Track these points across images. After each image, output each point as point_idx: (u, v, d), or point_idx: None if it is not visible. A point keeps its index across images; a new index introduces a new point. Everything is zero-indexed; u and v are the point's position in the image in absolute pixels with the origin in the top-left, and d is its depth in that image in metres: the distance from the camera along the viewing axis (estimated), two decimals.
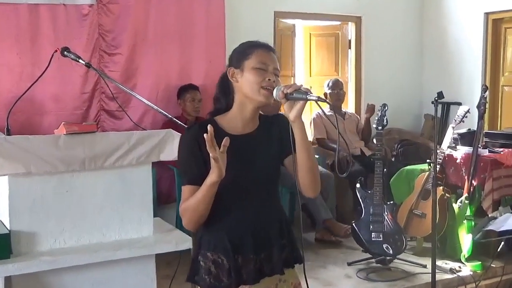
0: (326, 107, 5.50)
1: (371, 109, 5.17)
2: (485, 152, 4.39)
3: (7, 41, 4.27)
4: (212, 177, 1.70)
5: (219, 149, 1.67)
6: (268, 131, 1.90)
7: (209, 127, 1.66)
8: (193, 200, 1.76)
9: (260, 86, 1.79)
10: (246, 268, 1.83)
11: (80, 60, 3.12)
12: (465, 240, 4.12)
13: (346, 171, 1.89)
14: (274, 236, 1.88)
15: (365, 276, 4.00)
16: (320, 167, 4.89)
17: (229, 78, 1.85)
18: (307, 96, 1.72)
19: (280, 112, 2.01)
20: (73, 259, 2.64)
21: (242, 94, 1.84)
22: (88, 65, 3.14)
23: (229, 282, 1.82)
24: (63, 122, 2.77)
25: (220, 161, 1.67)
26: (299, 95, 1.73)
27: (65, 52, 3.14)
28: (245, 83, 1.81)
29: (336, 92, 5.38)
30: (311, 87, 6.00)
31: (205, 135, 1.65)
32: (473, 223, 4.12)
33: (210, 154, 1.66)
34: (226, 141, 1.66)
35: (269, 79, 1.80)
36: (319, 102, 1.73)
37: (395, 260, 4.15)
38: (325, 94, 5.35)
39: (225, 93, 1.88)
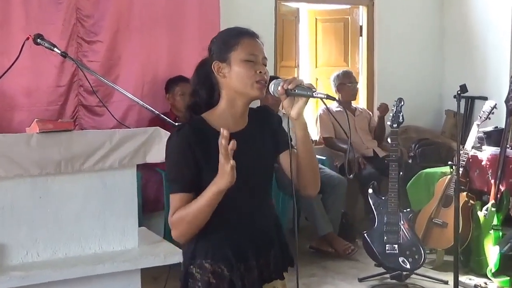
0: (334, 102, 5.50)
1: (384, 108, 5.16)
2: None
3: None
4: (221, 184, 1.71)
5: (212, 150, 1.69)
6: (259, 126, 1.94)
7: (224, 131, 1.66)
8: (192, 210, 1.77)
9: (254, 81, 1.82)
10: (249, 277, 1.86)
11: (55, 49, 3.11)
12: (492, 252, 4.12)
13: (353, 173, 1.93)
14: (272, 238, 1.94)
15: None
16: (330, 171, 4.90)
17: (215, 74, 1.88)
18: (313, 93, 1.73)
19: (265, 105, 2.06)
20: (48, 275, 2.64)
21: (231, 89, 1.86)
22: (64, 55, 3.13)
23: None
24: (36, 119, 2.77)
25: (234, 168, 1.69)
26: (302, 91, 1.75)
27: (38, 40, 3.13)
28: (235, 78, 1.84)
29: (349, 85, 5.38)
30: (317, 79, 6.01)
31: (223, 141, 1.65)
32: (500, 233, 4.12)
33: (223, 160, 1.67)
34: (233, 144, 1.66)
35: (260, 72, 1.83)
36: (326, 100, 1.75)
37: (413, 276, 4.15)
38: (338, 87, 5.34)
39: (204, 85, 1.91)
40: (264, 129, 1.95)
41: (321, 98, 1.73)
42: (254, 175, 1.88)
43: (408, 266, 4.04)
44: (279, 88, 1.78)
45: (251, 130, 1.91)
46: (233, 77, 1.84)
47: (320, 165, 4.45)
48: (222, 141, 1.66)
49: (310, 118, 5.58)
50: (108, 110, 3.82)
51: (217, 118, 1.87)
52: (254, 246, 1.88)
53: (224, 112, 1.88)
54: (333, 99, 1.74)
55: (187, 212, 1.78)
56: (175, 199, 1.82)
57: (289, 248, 2.01)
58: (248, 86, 1.83)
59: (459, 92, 3.80)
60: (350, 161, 4.71)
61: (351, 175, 1.90)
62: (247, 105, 1.90)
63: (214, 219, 1.81)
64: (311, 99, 1.79)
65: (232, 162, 1.67)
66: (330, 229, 4.71)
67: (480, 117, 4.29)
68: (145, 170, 4.25)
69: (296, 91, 1.75)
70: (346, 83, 5.37)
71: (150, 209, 4.61)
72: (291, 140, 1.89)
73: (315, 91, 1.75)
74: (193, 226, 1.80)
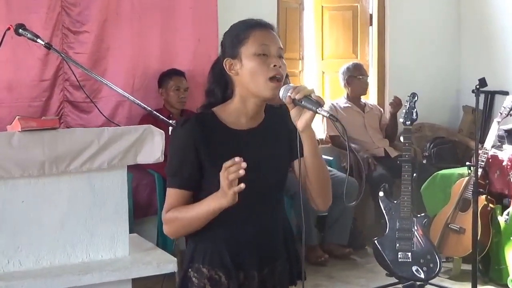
0: (341, 98, 5.51)
1: (396, 103, 5.16)
2: None
3: None
4: (222, 203, 1.74)
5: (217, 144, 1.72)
6: (275, 126, 1.94)
7: (243, 164, 1.66)
8: (189, 216, 1.83)
9: (267, 78, 1.82)
10: (248, 287, 1.88)
11: (39, 40, 3.12)
12: None
13: (357, 200, 1.90)
14: (279, 248, 1.95)
15: None
16: (341, 173, 4.89)
17: (227, 72, 1.88)
18: (317, 109, 1.74)
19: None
20: (31, 285, 2.64)
21: (244, 88, 1.87)
22: (48, 46, 3.14)
23: None
24: (17, 116, 2.78)
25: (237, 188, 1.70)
26: (309, 104, 1.76)
27: (20, 30, 3.14)
28: (247, 75, 1.84)
29: (359, 77, 5.38)
30: (323, 72, 6.01)
31: (239, 159, 1.66)
32: None
33: (225, 185, 1.69)
34: (242, 170, 1.66)
35: (274, 65, 1.82)
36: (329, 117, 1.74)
37: (427, 286, 4.15)
38: (348, 81, 5.34)
39: (219, 84, 1.92)
40: (281, 131, 1.94)
41: (324, 116, 1.75)
42: (263, 177, 1.88)
43: (422, 275, 4.04)
44: (287, 97, 1.78)
45: (265, 130, 1.92)
46: (245, 73, 1.85)
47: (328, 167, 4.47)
48: (229, 165, 1.66)
49: (316, 116, 5.57)
50: (96, 107, 3.83)
51: (228, 113, 1.90)
52: (257, 255, 1.89)
53: (236, 110, 1.90)
54: (336, 119, 1.73)
55: (183, 216, 1.83)
56: (171, 194, 1.86)
57: (300, 260, 2.01)
58: (261, 84, 1.82)
59: (477, 86, 3.80)
60: (359, 162, 4.71)
61: (353, 202, 1.87)
62: (261, 106, 1.91)
63: (215, 222, 1.83)
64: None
65: (235, 188, 1.68)
66: (316, 242, 4.76)
67: (501, 114, 4.28)
68: (137, 171, 4.25)
69: (303, 102, 1.76)
70: (356, 76, 5.37)
71: (142, 214, 4.61)
72: (301, 148, 1.86)
73: (321, 106, 1.74)
74: (187, 230, 1.87)
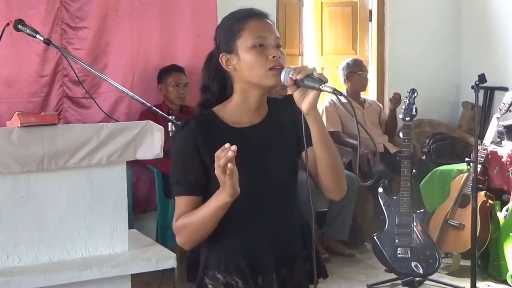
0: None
1: (396, 99, 5.16)
2: None
3: None
4: (224, 198, 1.68)
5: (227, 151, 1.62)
6: (280, 118, 1.88)
7: (233, 147, 1.60)
8: (196, 219, 1.76)
9: (267, 68, 1.77)
10: None
11: (38, 36, 3.11)
12: None
13: (373, 178, 1.86)
14: (296, 246, 1.89)
15: None
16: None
17: (224, 67, 1.83)
18: (320, 86, 1.69)
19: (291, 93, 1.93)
20: (30, 281, 2.64)
21: (244, 81, 1.81)
22: (47, 42, 3.13)
23: None
24: (17, 112, 2.77)
25: (235, 178, 1.65)
26: (311, 83, 1.70)
27: (19, 26, 3.14)
28: (246, 69, 1.79)
29: (359, 73, 5.38)
30: (323, 68, 6.00)
31: (228, 146, 1.60)
32: None
33: (219, 173, 1.63)
34: (233, 152, 1.59)
35: (273, 56, 1.77)
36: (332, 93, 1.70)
37: (426, 282, 4.15)
38: (348, 76, 5.34)
39: (216, 79, 1.86)
40: (286, 122, 1.88)
41: (328, 92, 1.69)
42: (272, 174, 1.83)
43: (421, 271, 4.05)
44: (288, 78, 1.72)
45: (269, 124, 1.86)
46: (243, 68, 1.79)
47: None
48: (220, 153, 1.61)
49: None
50: (96, 102, 3.81)
51: (229, 111, 1.84)
52: (273, 256, 1.83)
53: (237, 106, 1.83)
54: (340, 93, 1.68)
55: (191, 221, 1.76)
56: (179, 202, 1.80)
57: (320, 258, 1.97)
58: (261, 75, 1.77)
59: (477, 82, 3.80)
60: (360, 159, 4.71)
61: (368, 182, 1.81)
62: (263, 96, 1.85)
63: (226, 225, 1.78)
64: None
65: (231, 175, 1.62)
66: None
67: (500, 110, 4.29)
68: (136, 167, 4.25)
69: (305, 82, 1.70)
70: (356, 71, 5.37)
71: (141, 210, 4.61)
72: (307, 136, 1.79)
73: (324, 83, 1.69)
74: (198, 236, 1.79)
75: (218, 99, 1.87)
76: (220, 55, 1.82)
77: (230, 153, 1.60)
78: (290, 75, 1.72)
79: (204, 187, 1.78)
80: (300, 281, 1.88)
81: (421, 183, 4.75)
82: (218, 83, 1.86)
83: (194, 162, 1.77)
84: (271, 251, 1.83)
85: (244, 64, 1.79)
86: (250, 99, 1.83)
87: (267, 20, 1.83)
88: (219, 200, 1.70)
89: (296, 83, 1.71)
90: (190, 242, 1.81)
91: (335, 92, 1.68)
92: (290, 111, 1.85)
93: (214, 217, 1.73)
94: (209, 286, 1.84)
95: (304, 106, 1.72)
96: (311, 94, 1.71)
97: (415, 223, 4.09)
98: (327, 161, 1.80)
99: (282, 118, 1.88)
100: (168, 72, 4.74)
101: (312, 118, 1.75)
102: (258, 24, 1.80)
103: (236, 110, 1.84)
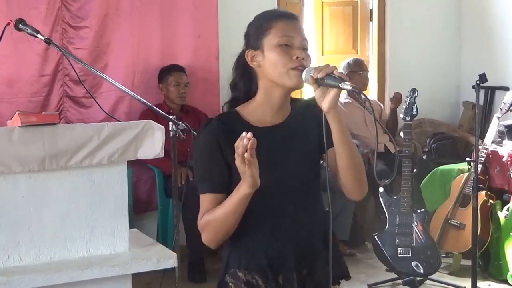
0: (342, 93, 5.50)
1: (397, 99, 5.16)
2: None
3: None
4: (245, 189, 1.70)
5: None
6: (303, 119, 1.90)
7: (249, 134, 1.63)
8: (219, 215, 1.77)
9: (289, 68, 1.78)
10: None
11: (39, 35, 3.11)
12: None
13: (390, 177, 1.86)
14: (317, 246, 1.89)
15: None
16: None
17: (249, 63, 1.85)
18: (340, 84, 1.70)
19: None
20: (31, 280, 2.64)
21: (267, 79, 1.83)
22: (48, 41, 3.13)
23: None
24: (17, 112, 2.77)
25: (254, 168, 1.67)
26: (332, 81, 1.71)
27: (20, 25, 3.13)
28: (269, 66, 1.81)
29: (360, 73, 5.38)
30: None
31: (245, 134, 1.63)
32: None
33: (239, 164, 1.65)
34: (252, 143, 1.62)
35: (297, 57, 1.79)
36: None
37: (427, 281, 4.16)
38: (348, 76, 5.34)
39: (244, 78, 1.88)
40: (309, 124, 1.89)
41: (347, 90, 1.70)
42: (293, 174, 1.85)
43: (422, 271, 4.05)
44: (309, 77, 1.74)
45: (291, 124, 1.88)
46: (267, 65, 1.81)
47: None
48: (238, 143, 1.64)
49: None
50: (96, 102, 3.81)
51: (252, 110, 1.86)
52: (294, 255, 1.85)
53: (260, 104, 1.86)
54: (359, 91, 1.70)
55: (214, 217, 1.78)
56: (203, 200, 1.82)
57: (342, 259, 1.98)
58: (283, 75, 1.79)
59: (478, 82, 3.80)
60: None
61: (387, 180, 1.83)
62: (285, 97, 1.87)
63: (247, 223, 1.80)
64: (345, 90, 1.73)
65: (250, 165, 1.64)
66: None
67: (501, 109, 4.28)
68: (137, 167, 4.26)
69: (325, 80, 1.71)
70: (357, 71, 5.37)
71: (142, 209, 4.61)
72: (328, 138, 1.80)
73: (344, 81, 1.70)
74: (221, 232, 1.80)
75: (246, 98, 1.89)
76: (246, 51, 1.85)
77: (245, 141, 1.62)
78: (311, 74, 1.73)
79: (228, 185, 1.80)
80: (320, 282, 1.89)
81: (422, 182, 4.75)
82: (245, 82, 1.89)
83: (217, 160, 1.80)
84: (293, 251, 1.85)
85: (267, 61, 1.81)
86: (273, 98, 1.85)
87: (296, 22, 1.86)
88: (240, 192, 1.72)
89: (317, 82, 1.73)
90: (214, 239, 1.82)
91: (354, 90, 1.69)
92: (313, 113, 1.86)
93: (237, 211, 1.75)
94: (230, 284, 1.86)
95: (324, 104, 1.74)
96: (332, 92, 1.73)
97: (415, 223, 4.09)
98: (347, 160, 1.81)
99: (304, 119, 1.90)
100: (168, 71, 4.74)
101: (332, 117, 1.76)
102: (286, 24, 1.83)
103: (259, 109, 1.86)
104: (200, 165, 1.84)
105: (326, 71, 1.71)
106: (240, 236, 1.83)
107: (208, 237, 1.82)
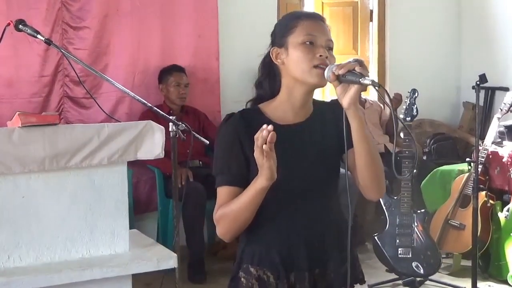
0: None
1: (397, 99, 5.16)
2: None
3: None
4: (262, 182, 1.71)
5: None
6: (323, 121, 1.91)
7: (270, 126, 1.64)
8: (235, 207, 1.78)
9: (312, 66, 1.80)
10: None
11: (39, 36, 3.11)
12: None
13: (413, 169, 1.84)
14: (330, 247, 1.89)
15: None
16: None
17: (273, 60, 1.87)
18: (360, 79, 1.70)
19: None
20: (31, 281, 2.64)
21: (290, 77, 1.85)
22: (48, 42, 3.13)
23: None
24: (18, 112, 2.77)
25: (272, 161, 1.67)
26: (352, 77, 1.72)
27: (20, 26, 3.13)
28: (292, 63, 1.83)
29: None
30: None
31: (265, 126, 1.63)
32: None
33: (257, 155, 1.66)
34: (272, 137, 1.63)
35: (320, 55, 1.80)
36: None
37: (427, 282, 4.15)
38: None
39: (269, 76, 1.90)
40: (330, 124, 1.90)
41: (367, 84, 1.70)
42: (312, 172, 1.86)
43: (422, 271, 4.05)
44: (331, 74, 1.74)
45: (312, 124, 1.89)
46: (290, 62, 1.83)
47: None
48: (258, 134, 1.64)
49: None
50: (96, 102, 3.81)
51: (274, 108, 1.88)
52: (307, 254, 1.85)
53: (283, 102, 1.88)
54: (379, 85, 1.70)
55: (231, 209, 1.79)
56: (220, 193, 1.83)
57: (358, 262, 1.98)
58: (306, 72, 1.80)
59: (478, 82, 3.80)
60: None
61: (407, 175, 1.83)
62: (308, 95, 1.88)
63: (262, 220, 1.81)
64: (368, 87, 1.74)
65: (268, 157, 1.64)
66: None
67: (501, 110, 4.29)
68: (137, 167, 4.26)
69: (347, 77, 1.72)
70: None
71: (142, 210, 4.62)
72: (348, 138, 1.80)
73: (364, 77, 1.70)
74: (236, 225, 1.81)
75: (270, 96, 1.91)
76: (271, 49, 1.87)
77: (265, 132, 1.63)
78: (333, 70, 1.74)
79: (245, 179, 1.80)
80: (332, 282, 1.88)
81: (422, 183, 4.75)
82: (270, 80, 1.90)
83: (237, 153, 1.81)
84: (306, 249, 1.86)
85: (291, 59, 1.83)
86: (295, 96, 1.86)
87: (322, 22, 1.87)
88: (257, 184, 1.72)
89: (338, 79, 1.74)
90: (229, 232, 1.82)
91: (374, 84, 1.69)
92: (334, 113, 1.87)
93: (252, 203, 1.75)
94: (242, 279, 1.87)
95: (345, 101, 1.74)
96: (353, 88, 1.73)
97: (416, 223, 4.09)
98: (366, 158, 1.81)
99: (325, 120, 1.91)
100: (169, 72, 4.74)
101: (352, 113, 1.76)
102: (311, 24, 1.85)
103: (281, 107, 1.87)
104: (219, 159, 1.85)
105: (348, 67, 1.72)
106: (254, 233, 1.84)
107: (222, 230, 1.83)
